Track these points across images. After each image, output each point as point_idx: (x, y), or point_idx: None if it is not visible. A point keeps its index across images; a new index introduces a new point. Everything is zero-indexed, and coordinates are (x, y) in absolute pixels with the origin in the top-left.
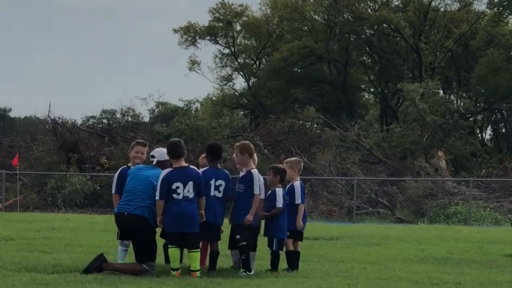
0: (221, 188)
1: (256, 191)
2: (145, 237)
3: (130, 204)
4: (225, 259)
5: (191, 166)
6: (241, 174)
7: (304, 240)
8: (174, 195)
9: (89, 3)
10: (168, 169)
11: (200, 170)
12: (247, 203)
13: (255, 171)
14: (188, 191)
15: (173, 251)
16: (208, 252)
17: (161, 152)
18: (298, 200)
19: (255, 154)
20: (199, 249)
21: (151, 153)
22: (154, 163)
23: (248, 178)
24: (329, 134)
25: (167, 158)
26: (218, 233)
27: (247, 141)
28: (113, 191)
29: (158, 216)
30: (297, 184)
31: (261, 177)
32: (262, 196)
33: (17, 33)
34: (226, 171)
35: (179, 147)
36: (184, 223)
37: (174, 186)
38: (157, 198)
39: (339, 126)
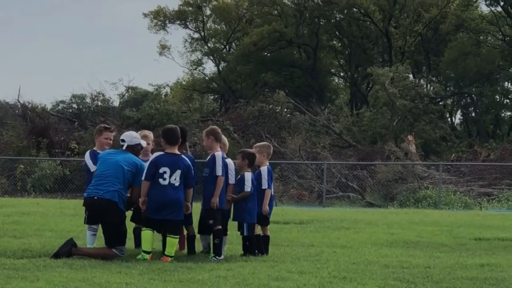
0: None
1: (219, 172)
2: (115, 221)
3: (100, 189)
4: (198, 243)
5: (183, 156)
6: (207, 158)
7: (274, 224)
8: (160, 180)
9: None
10: (159, 152)
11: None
12: (214, 186)
13: (218, 153)
14: (175, 179)
15: (147, 233)
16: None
17: (131, 136)
18: (264, 185)
19: (225, 139)
20: (178, 236)
21: (121, 137)
22: (124, 147)
23: (212, 161)
24: (299, 119)
25: (138, 142)
26: (190, 217)
27: (214, 126)
28: (93, 167)
29: (142, 197)
30: (264, 169)
31: (231, 162)
32: (232, 181)
33: None
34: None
35: (175, 133)
36: (168, 210)
37: (161, 171)
38: (143, 178)
39: (309, 110)
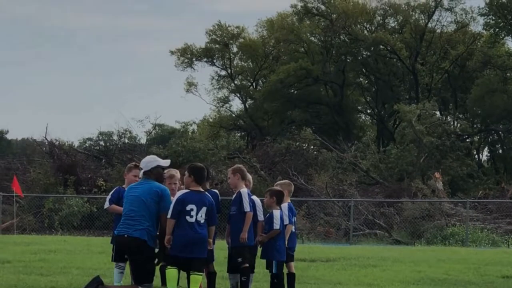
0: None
1: (247, 208)
2: (144, 259)
3: (129, 227)
4: (222, 281)
5: (207, 193)
6: (234, 196)
7: (301, 262)
8: (187, 217)
9: (86, 23)
10: (185, 190)
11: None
12: (242, 223)
13: (244, 190)
14: (201, 216)
15: (172, 272)
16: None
17: (146, 162)
18: (286, 221)
19: (250, 176)
20: (202, 273)
21: (140, 166)
22: (140, 175)
23: (238, 198)
24: (326, 156)
25: (154, 165)
26: (212, 254)
27: (239, 164)
28: (107, 205)
29: (167, 236)
30: (284, 205)
31: (258, 199)
32: (261, 218)
33: (14, 53)
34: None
35: (203, 172)
36: (195, 248)
37: (188, 208)
38: (168, 216)
39: (336, 147)
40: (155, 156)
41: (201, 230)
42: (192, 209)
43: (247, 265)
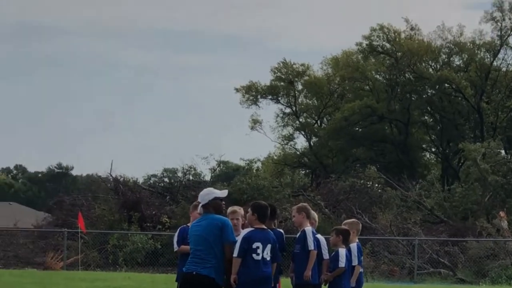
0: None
1: (311, 246)
2: None
3: (197, 265)
4: None
5: (269, 230)
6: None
7: None
8: (254, 255)
9: (151, 62)
10: (250, 229)
11: (245, 231)
12: (306, 262)
13: (308, 229)
14: (267, 254)
15: None
16: None
17: (203, 195)
18: (354, 262)
19: (314, 213)
20: None
21: (198, 200)
22: (198, 209)
23: (302, 237)
24: (390, 194)
25: (212, 197)
26: None
27: (304, 203)
28: (176, 247)
29: (233, 275)
30: (353, 246)
31: (322, 238)
32: (327, 257)
33: (74, 93)
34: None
35: (266, 210)
36: (261, 286)
37: (254, 246)
38: (234, 255)
39: (400, 185)
40: (211, 188)
41: (267, 268)
42: (258, 247)
43: None
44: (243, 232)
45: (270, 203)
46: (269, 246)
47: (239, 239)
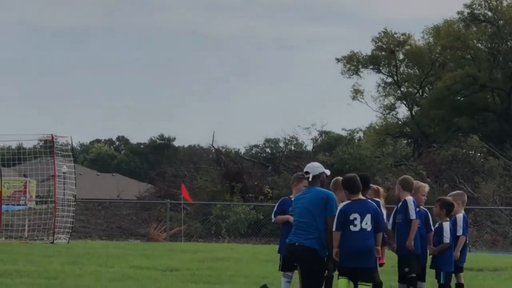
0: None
1: (412, 216)
2: (315, 268)
3: (300, 236)
4: None
5: (369, 200)
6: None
7: (468, 271)
8: (351, 227)
9: (258, 34)
10: (346, 201)
11: (341, 204)
12: (408, 232)
13: (409, 198)
14: (366, 224)
15: (343, 282)
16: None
17: (313, 167)
18: (459, 232)
19: (422, 184)
20: (371, 284)
21: (305, 170)
22: (310, 179)
23: (404, 206)
24: (493, 163)
25: (322, 171)
26: (376, 263)
27: (407, 176)
28: (273, 218)
29: (334, 248)
30: (459, 216)
31: (426, 211)
32: (431, 229)
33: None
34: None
35: (355, 182)
36: (361, 257)
37: (351, 217)
38: (334, 229)
39: (503, 154)
40: (320, 164)
41: (367, 239)
42: (355, 218)
43: (414, 275)
44: (341, 205)
45: (364, 174)
46: (368, 216)
47: (336, 212)
